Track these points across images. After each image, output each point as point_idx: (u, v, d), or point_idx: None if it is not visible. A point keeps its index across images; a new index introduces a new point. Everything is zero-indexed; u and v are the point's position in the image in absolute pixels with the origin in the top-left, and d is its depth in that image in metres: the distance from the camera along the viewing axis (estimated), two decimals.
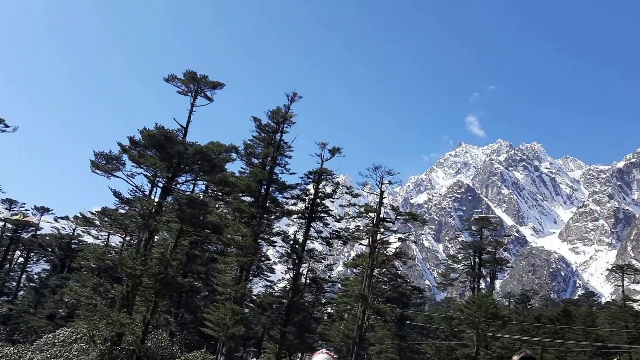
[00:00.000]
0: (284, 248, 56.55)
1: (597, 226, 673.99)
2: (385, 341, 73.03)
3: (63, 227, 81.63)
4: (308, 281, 66.57)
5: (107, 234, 70.52)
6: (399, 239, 60.20)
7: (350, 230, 59.66)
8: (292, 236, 57.66)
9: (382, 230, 56.02)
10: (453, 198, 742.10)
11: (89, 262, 51.03)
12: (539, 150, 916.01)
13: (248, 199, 52.31)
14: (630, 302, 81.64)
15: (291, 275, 55.31)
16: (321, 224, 55.14)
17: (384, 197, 57.27)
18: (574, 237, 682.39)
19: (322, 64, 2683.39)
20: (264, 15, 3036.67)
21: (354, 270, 66.96)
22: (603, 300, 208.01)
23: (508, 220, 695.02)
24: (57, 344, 33.07)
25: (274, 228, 57.10)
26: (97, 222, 62.86)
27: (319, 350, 6.75)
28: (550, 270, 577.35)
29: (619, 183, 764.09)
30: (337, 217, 56.79)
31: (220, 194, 54.22)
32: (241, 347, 76.44)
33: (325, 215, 55.35)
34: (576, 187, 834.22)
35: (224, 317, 40.52)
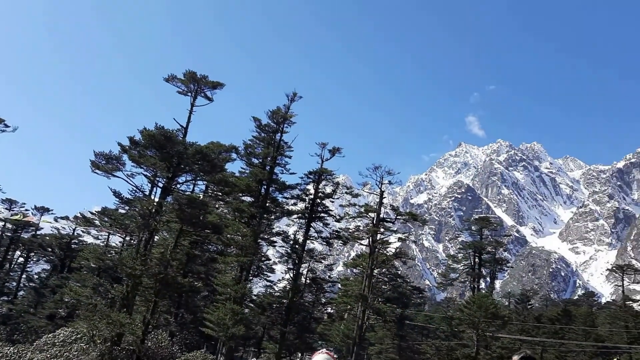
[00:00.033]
0: (284, 248, 56.55)
1: (597, 226, 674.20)
2: (385, 341, 73.05)
3: (63, 227, 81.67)
4: (308, 281, 66.58)
5: (107, 234, 70.53)
6: (399, 239, 60.19)
7: (350, 230, 59.65)
8: (292, 236, 57.66)
9: (382, 230, 55.99)
10: (453, 198, 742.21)
11: (89, 262, 51.08)
12: (539, 150, 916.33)
13: (248, 199, 52.31)
14: (630, 302, 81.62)
15: (291, 275, 55.31)
16: (321, 224, 55.13)
17: (384, 197, 57.26)
18: (574, 237, 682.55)
19: (322, 64, 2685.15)
20: (263, 15, 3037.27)
21: (354, 270, 66.94)
22: (603, 300, 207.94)
23: (508, 220, 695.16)
24: (57, 344, 33.07)
25: (274, 228, 57.10)
26: (97, 222, 62.90)
27: (319, 350, 6.75)
28: (550, 270, 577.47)
29: (619, 183, 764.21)
30: (337, 217, 56.78)
31: (220, 194, 54.23)
32: (241, 347, 76.50)
33: (325, 215, 55.35)
34: (576, 187, 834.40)
35: (224, 317, 40.52)
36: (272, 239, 55.75)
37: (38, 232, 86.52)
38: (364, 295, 53.20)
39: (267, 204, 51.11)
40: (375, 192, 58.88)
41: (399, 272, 78.05)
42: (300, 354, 74.42)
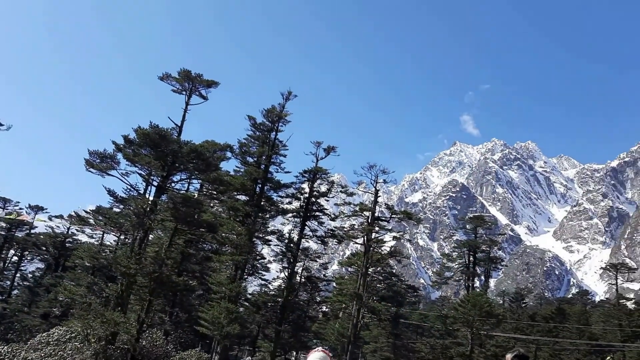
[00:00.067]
0: (278, 247, 56.61)
1: (591, 225, 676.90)
2: (380, 340, 73.17)
3: (57, 226, 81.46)
4: (303, 280, 66.61)
5: (101, 232, 70.39)
6: (394, 238, 60.27)
7: (345, 229, 59.70)
8: (287, 235, 57.71)
9: (377, 229, 56.08)
10: (448, 197, 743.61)
11: (83, 260, 50.85)
12: (533, 149, 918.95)
13: (243, 197, 52.30)
14: (624, 300, 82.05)
15: (286, 273, 55.34)
16: (316, 223, 55.17)
17: (379, 196, 57.35)
18: (568, 236, 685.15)
19: (318, 63, 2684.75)
20: (261, 12, 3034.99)
21: (349, 268, 66.97)
22: (597, 299, 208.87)
23: (502, 219, 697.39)
24: (52, 342, 32.97)
25: (268, 227, 57.16)
26: (91, 221, 62.67)
27: (315, 348, 6.77)
28: (545, 268, 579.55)
29: (612, 182, 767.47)
30: (332, 215, 56.83)
31: (215, 192, 54.16)
32: (236, 345, 76.51)
33: (320, 214, 55.39)
34: (570, 186, 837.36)
35: (218, 315, 40.51)
36: (267, 237, 55.80)
37: (32, 231, 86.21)
38: (358, 293, 53.28)
39: (262, 203, 51.12)
40: (370, 191, 58.97)
41: (394, 271, 78.15)
42: (295, 353, 74.53)
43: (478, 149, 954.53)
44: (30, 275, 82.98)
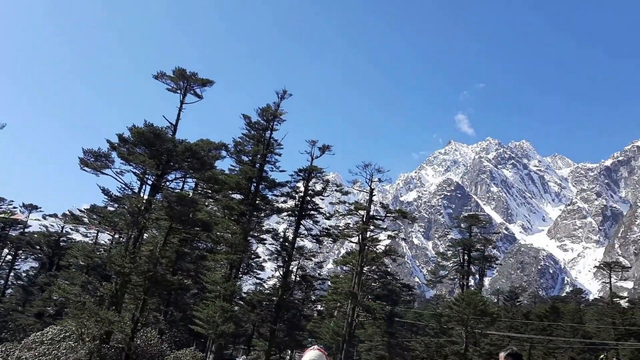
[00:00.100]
0: (273, 245, 56.59)
1: (585, 224, 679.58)
2: (374, 338, 73.26)
3: (51, 225, 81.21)
4: (298, 279, 66.60)
5: (96, 231, 70.25)
6: (389, 237, 60.41)
7: (340, 228, 59.75)
8: (282, 234, 57.70)
9: (371, 227, 56.15)
10: (442, 196, 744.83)
11: (77, 259, 50.81)
12: (527, 148, 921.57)
13: (238, 196, 52.21)
14: (618, 298, 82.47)
15: (281, 272, 55.33)
16: (311, 222, 55.16)
17: (374, 195, 57.42)
18: (562, 235, 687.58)
19: (314, 60, 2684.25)
20: (259, 10, 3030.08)
21: (344, 267, 67.12)
22: (591, 297, 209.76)
23: (497, 218, 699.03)
24: (46, 342, 32.87)
25: (263, 226, 57.10)
26: (85, 220, 62.57)
27: (311, 347, 6.79)
28: (539, 267, 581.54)
29: (606, 181, 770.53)
30: (327, 214, 56.82)
31: (209, 191, 54.11)
32: (231, 344, 76.46)
33: (315, 212, 55.38)
34: (564, 185, 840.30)
35: (213, 314, 40.48)
36: (261, 236, 55.74)
37: (26, 230, 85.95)
38: (353, 292, 53.34)
39: (257, 202, 51.06)
40: (365, 190, 59.03)
41: (389, 270, 78.25)
42: (290, 352, 74.57)
43: (473, 148, 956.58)
44: (24, 274, 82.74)
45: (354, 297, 53.15)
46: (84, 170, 34.65)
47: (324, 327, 58.57)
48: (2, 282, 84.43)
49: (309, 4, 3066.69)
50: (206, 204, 55.03)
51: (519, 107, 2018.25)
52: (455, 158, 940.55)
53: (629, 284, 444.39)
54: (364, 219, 55.58)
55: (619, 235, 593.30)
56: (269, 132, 51.13)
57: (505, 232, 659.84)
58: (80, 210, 68.15)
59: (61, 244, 78.46)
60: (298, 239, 54.85)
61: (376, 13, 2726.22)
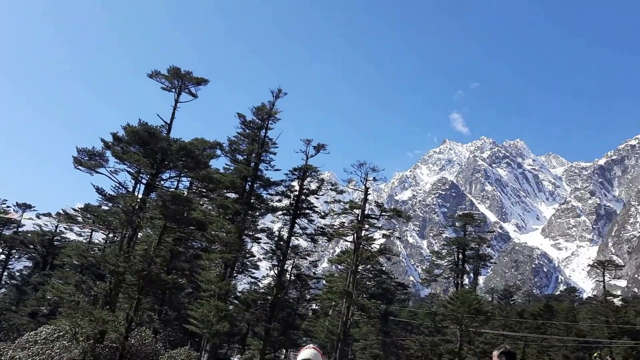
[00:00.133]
0: (268, 244, 56.52)
1: (579, 222, 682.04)
2: (369, 337, 73.30)
3: (45, 224, 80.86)
4: (293, 278, 66.62)
5: (90, 230, 70.01)
6: (384, 236, 60.39)
7: (335, 227, 59.70)
8: (276, 233, 57.66)
9: (366, 226, 56.17)
10: (437, 194, 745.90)
11: (71, 259, 50.59)
12: (522, 147, 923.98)
13: (232, 195, 52.13)
14: (611, 297, 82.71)
15: (276, 271, 55.28)
16: (306, 221, 55.11)
17: (369, 194, 57.41)
18: (556, 234, 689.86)
19: (310, 61, 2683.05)
20: (261, 11, 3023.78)
21: (339, 266, 67.09)
22: (584, 296, 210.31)
23: (491, 217, 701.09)
24: (39, 341, 32.74)
25: (258, 224, 57.01)
26: (79, 219, 62.40)
27: (306, 346, 6.79)
28: (533, 266, 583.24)
29: (600, 180, 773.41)
30: (322, 213, 56.81)
31: (204, 190, 53.98)
32: (225, 343, 76.34)
33: (310, 211, 55.34)
34: (558, 184, 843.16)
35: (208, 314, 40.42)
36: (256, 235, 55.66)
37: (20, 229, 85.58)
38: (348, 291, 53.36)
39: (252, 201, 51.00)
40: (360, 189, 59.03)
41: (384, 268, 78.37)
42: (284, 351, 74.55)
43: (467, 147, 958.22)
44: (17, 274, 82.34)
45: (349, 295, 53.18)
46: (78, 169, 34.56)
47: (319, 326, 58.57)
48: None
49: (308, 4, 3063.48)
50: (201, 203, 54.91)
51: (513, 107, 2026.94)
52: (450, 157, 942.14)
53: (623, 283, 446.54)
54: (359, 218, 55.59)
55: (613, 234, 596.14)
56: (263, 131, 51.06)
57: (500, 231, 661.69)
58: (74, 209, 67.97)
59: (55, 243, 78.16)
60: (293, 237, 54.80)
61: (374, 13, 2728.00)
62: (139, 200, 35.53)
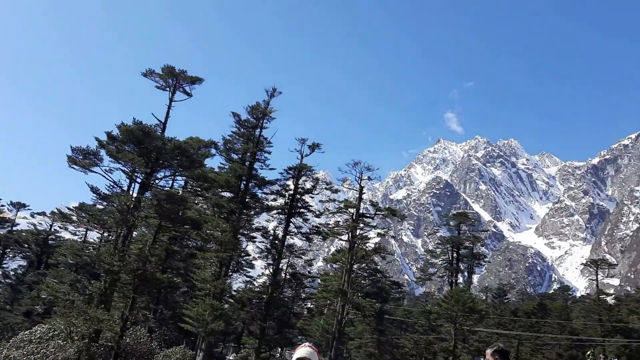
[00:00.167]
0: (263, 243, 56.56)
1: (572, 221, 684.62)
2: (364, 335, 73.40)
3: (40, 223, 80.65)
4: (288, 276, 66.63)
5: (84, 229, 69.88)
6: (379, 235, 60.48)
7: (330, 226, 59.79)
8: (271, 232, 57.67)
9: (361, 225, 56.27)
10: (432, 194, 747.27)
11: (66, 258, 50.47)
12: (515, 147, 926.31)
13: (227, 194, 52.14)
14: (604, 295, 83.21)
15: (271, 270, 55.32)
16: (301, 220, 55.19)
17: (364, 193, 57.53)
18: (550, 232, 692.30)
19: (305, 61, 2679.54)
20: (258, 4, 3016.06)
21: (334, 265, 67.16)
22: (578, 294, 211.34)
23: (485, 216, 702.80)
24: (34, 340, 32.69)
25: (253, 223, 57.05)
26: (74, 218, 62.27)
27: (302, 344, 6.86)
28: (527, 264, 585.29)
29: (593, 179, 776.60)
30: (317, 212, 56.90)
31: (199, 189, 53.95)
32: (221, 342, 76.32)
33: (305, 210, 55.41)
34: (552, 183, 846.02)
35: (203, 312, 40.43)
36: (251, 234, 55.68)
37: (14, 228, 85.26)
38: (343, 290, 53.46)
39: (247, 200, 51.03)
40: (354, 188, 59.14)
41: (378, 267, 78.39)
42: (280, 349, 74.49)
43: (462, 147, 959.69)
44: (12, 273, 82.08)
45: (344, 294, 53.28)
46: (72, 168, 34.47)
47: (314, 324, 58.68)
48: None
49: (307, 27, 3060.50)
50: (196, 202, 54.89)
51: (507, 106, 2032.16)
52: (444, 156, 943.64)
53: (615, 281, 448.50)
54: (354, 217, 55.70)
55: (606, 233, 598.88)
56: (258, 130, 51.10)
57: (494, 230, 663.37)
58: (69, 209, 67.82)
59: (50, 242, 77.94)
60: (288, 236, 54.87)
61: (372, 6, 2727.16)
62: (133, 199, 35.49)
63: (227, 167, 52.75)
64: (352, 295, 55.85)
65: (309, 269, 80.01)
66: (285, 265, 64.44)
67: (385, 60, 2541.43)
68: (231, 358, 74.50)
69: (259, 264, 64.43)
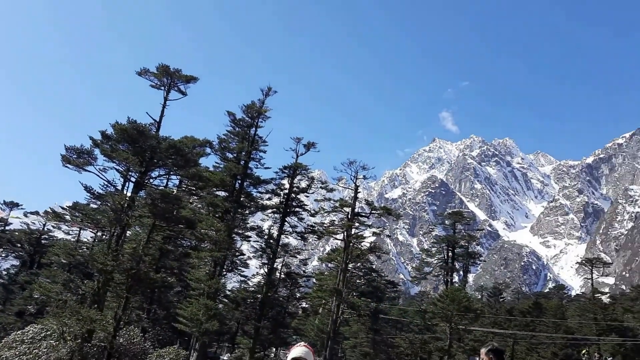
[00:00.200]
0: (258, 243, 56.34)
1: (567, 220, 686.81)
2: (359, 335, 73.42)
3: (33, 223, 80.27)
4: (282, 276, 66.47)
5: (78, 229, 69.54)
6: (374, 234, 60.46)
7: (325, 225, 59.71)
8: (266, 231, 57.49)
9: (356, 224, 56.19)
10: (427, 193, 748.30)
11: (59, 257, 50.25)
12: (510, 146, 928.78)
13: (222, 193, 51.95)
14: (599, 294, 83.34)
15: (265, 270, 55.16)
16: (296, 219, 55.05)
17: (359, 192, 57.46)
18: (545, 231, 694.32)
19: (298, 62, 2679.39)
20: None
21: (329, 264, 67.12)
22: (573, 293, 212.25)
23: (481, 215, 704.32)
24: (26, 341, 32.45)
25: (248, 223, 56.88)
26: (67, 217, 61.83)
27: (297, 344, 6.76)
28: (522, 263, 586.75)
29: (588, 178, 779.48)
30: (312, 211, 56.78)
31: (194, 188, 53.77)
32: (215, 342, 76.19)
33: (300, 209, 55.28)
34: (547, 182, 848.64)
35: (197, 312, 40.26)
36: (246, 233, 55.52)
37: (7, 228, 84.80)
38: (338, 289, 53.36)
39: (242, 199, 50.85)
40: (350, 187, 59.04)
41: (374, 267, 78.44)
42: (274, 349, 74.41)
43: (457, 146, 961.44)
44: (4, 273, 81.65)
45: (339, 294, 53.18)
46: (66, 167, 34.23)
47: (309, 324, 58.60)
48: None
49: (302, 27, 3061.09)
50: (190, 201, 54.68)
51: (502, 105, 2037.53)
52: (439, 155, 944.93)
53: (610, 280, 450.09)
54: (349, 216, 55.60)
55: (600, 231, 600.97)
56: (253, 129, 50.93)
57: (489, 229, 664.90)
58: (63, 208, 67.40)
59: (43, 241, 77.60)
60: (283, 236, 54.71)
61: (368, 5, 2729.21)
62: (127, 198, 35.27)
63: (222, 166, 52.58)
64: (347, 294, 55.78)
65: (304, 269, 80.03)
66: (280, 264, 64.28)
67: (383, 60, 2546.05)
68: (225, 358, 74.30)
69: (254, 263, 64.25)
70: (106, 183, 36.30)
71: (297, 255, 66.40)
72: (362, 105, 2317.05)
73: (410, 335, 77.42)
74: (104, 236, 56.48)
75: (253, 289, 66.16)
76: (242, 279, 69.57)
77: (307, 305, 78.02)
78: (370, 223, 58.50)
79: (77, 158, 34.24)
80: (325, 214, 59.89)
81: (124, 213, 34.49)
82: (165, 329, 51.99)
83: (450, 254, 74.43)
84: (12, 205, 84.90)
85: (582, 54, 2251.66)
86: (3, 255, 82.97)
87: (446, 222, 78.32)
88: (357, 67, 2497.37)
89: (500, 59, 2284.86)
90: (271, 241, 54.83)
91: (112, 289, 35.16)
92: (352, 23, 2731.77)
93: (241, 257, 66.32)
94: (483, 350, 8.03)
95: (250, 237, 55.74)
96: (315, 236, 59.19)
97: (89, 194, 39.71)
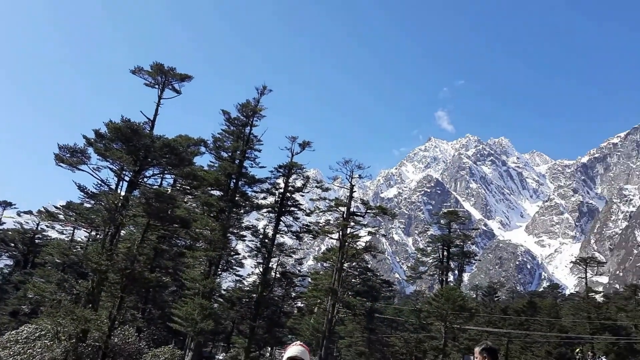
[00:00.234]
0: (253, 242, 56.32)
1: (562, 220, 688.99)
2: (354, 334, 73.41)
3: (26, 222, 79.94)
4: (278, 275, 66.44)
5: (72, 228, 69.27)
6: (369, 233, 60.47)
7: (321, 224, 59.68)
8: (261, 230, 57.44)
9: (352, 224, 56.19)
10: (422, 192, 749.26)
11: (53, 257, 50.04)
12: (506, 145, 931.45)
13: (217, 192, 51.85)
14: (593, 293, 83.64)
15: (261, 269, 55.12)
16: (291, 218, 55.00)
17: (354, 191, 57.43)
18: (540, 231, 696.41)
19: (297, 60, 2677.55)
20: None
21: (324, 264, 67.03)
22: (567, 292, 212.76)
23: (476, 214, 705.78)
24: (20, 341, 32.31)
25: (243, 222, 56.74)
26: (61, 217, 61.57)
27: (292, 343, 6.73)
28: (517, 263, 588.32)
29: (583, 177, 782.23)
30: (308, 211, 56.70)
31: (188, 187, 53.57)
32: (210, 342, 76.06)
33: (295, 209, 55.22)
34: (542, 182, 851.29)
35: (192, 312, 40.17)
36: (241, 233, 55.41)
37: (0, 227, 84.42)
38: (333, 289, 53.35)
39: (237, 198, 50.74)
40: (345, 186, 59.04)
41: (369, 266, 78.40)
42: (269, 349, 74.37)
43: (452, 145, 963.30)
44: None
45: (334, 293, 53.18)
46: (59, 166, 34.08)
47: (304, 323, 58.54)
48: None
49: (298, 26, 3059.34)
50: (185, 200, 54.52)
51: (498, 105, 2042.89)
52: (435, 155, 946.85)
53: (604, 279, 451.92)
54: (345, 216, 55.59)
55: (595, 231, 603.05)
56: (248, 128, 50.82)
57: (484, 228, 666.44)
58: (56, 207, 67.11)
59: (36, 241, 77.29)
60: (278, 235, 54.66)
61: (361, 12, 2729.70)
62: (121, 197, 35.14)
63: (216, 165, 52.46)
64: (342, 293, 55.78)
65: (299, 268, 79.87)
66: (275, 264, 64.26)
67: (381, 59, 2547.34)
68: (220, 357, 74.24)
69: (249, 262, 64.19)
70: (100, 182, 36.17)
71: (293, 255, 66.41)
72: (359, 105, 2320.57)
73: (406, 335, 77.46)
74: (98, 235, 56.23)
75: (248, 288, 66.08)
76: (237, 278, 69.43)
77: (302, 305, 77.98)
78: (365, 222, 58.51)
79: (70, 157, 34.07)
80: (321, 213, 59.87)
81: (118, 212, 34.36)
82: (161, 329, 51.88)
83: (445, 253, 74.55)
84: (6, 204, 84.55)
85: (577, 53, 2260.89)
86: None
87: (441, 221, 78.42)
88: (356, 67, 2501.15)
89: (496, 58, 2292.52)
90: (266, 240, 54.78)
91: (107, 288, 35.03)
92: (351, 23, 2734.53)
93: (236, 256, 66.13)
94: (477, 349, 8.01)
95: (245, 236, 55.66)
96: (310, 235, 59.17)
97: (82, 193, 39.54)
